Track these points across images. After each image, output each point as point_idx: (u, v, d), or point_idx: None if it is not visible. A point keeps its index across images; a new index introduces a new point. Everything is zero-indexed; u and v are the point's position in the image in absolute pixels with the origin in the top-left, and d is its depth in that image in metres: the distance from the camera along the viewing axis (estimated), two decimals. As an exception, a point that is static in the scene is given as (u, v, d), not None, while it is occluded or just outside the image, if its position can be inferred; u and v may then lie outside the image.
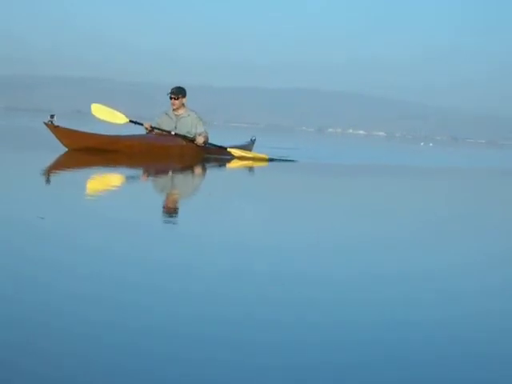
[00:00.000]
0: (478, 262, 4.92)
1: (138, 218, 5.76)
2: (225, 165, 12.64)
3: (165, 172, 11.21)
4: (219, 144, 13.56)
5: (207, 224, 5.64)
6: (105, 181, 8.75)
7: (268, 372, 2.35)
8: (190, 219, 5.94)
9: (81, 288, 3.22)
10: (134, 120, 13.18)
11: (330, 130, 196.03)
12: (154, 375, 2.23)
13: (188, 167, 12.02)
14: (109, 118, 13.32)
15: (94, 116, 13.32)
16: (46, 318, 2.75)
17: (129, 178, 9.37)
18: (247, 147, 14.30)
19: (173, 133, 12.95)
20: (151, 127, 13.01)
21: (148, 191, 8.16)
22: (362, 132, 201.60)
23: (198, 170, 11.88)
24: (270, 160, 13.60)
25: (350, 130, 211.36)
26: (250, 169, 12.44)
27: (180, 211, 6.50)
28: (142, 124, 13.07)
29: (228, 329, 2.77)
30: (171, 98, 13.15)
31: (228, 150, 13.49)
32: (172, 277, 3.63)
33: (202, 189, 8.91)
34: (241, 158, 13.35)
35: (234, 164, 12.83)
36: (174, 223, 5.67)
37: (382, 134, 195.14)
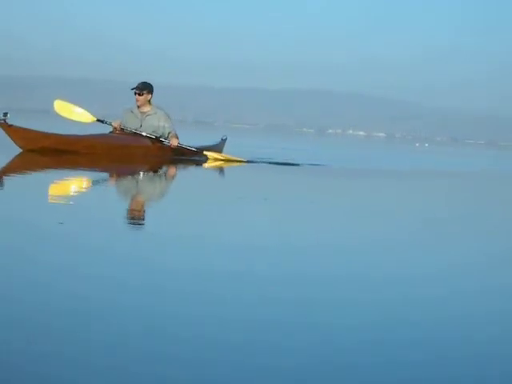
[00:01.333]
0: (477, 263, 4.93)
1: (137, 219, 5.77)
2: (201, 165, 11.96)
3: (135, 174, 10.19)
4: (187, 144, 12.39)
5: (207, 225, 5.64)
6: (68, 185, 7.85)
7: (268, 372, 2.35)
8: (188, 219, 5.94)
9: (81, 288, 3.22)
10: (102, 119, 12.10)
11: (330, 131, 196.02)
12: (154, 375, 2.23)
13: (156, 168, 11.13)
14: (73, 116, 12.23)
15: (57, 114, 12.23)
16: (46, 318, 2.75)
17: (101, 181, 8.59)
18: (218, 147, 13.40)
19: (144, 134, 11.89)
20: (120, 127, 11.86)
21: (145, 193, 8.15)
22: (361, 133, 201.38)
23: (171, 170, 11.20)
24: (249, 162, 12.77)
25: (350, 131, 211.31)
26: (220, 170, 11.78)
27: (176, 212, 6.50)
28: (110, 124, 11.94)
29: (228, 329, 2.77)
30: (135, 94, 12.01)
31: (204, 152, 12.47)
32: (173, 277, 3.63)
33: (196, 190, 8.90)
34: (216, 160, 12.50)
35: (210, 164, 12.19)
36: (174, 224, 5.67)
37: (381, 134, 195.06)
